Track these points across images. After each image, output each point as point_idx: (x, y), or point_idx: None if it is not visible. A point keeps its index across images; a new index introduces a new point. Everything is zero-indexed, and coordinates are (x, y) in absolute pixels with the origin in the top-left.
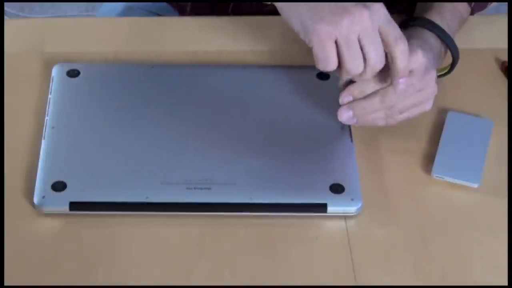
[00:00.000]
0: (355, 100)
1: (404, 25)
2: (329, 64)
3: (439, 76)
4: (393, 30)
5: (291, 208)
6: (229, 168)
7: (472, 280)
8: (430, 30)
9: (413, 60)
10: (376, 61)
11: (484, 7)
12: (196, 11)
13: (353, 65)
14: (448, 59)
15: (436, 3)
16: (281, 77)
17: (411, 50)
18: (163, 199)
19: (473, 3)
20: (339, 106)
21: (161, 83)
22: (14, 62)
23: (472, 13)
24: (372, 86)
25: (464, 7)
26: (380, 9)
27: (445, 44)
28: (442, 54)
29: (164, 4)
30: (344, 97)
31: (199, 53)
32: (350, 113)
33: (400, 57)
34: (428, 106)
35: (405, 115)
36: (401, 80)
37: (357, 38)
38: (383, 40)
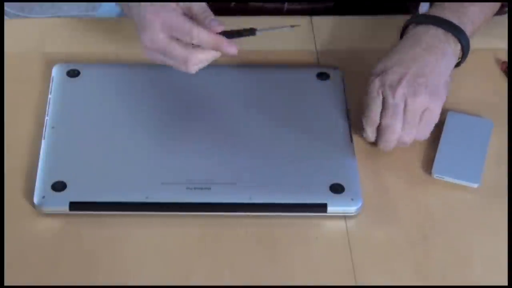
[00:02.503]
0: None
1: (419, 22)
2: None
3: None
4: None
5: (291, 208)
6: (229, 168)
7: (472, 280)
8: (445, 30)
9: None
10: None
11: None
12: None
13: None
14: None
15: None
16: (281, 77)
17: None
18: (163, 199)
19: None
20: (339, 106)
21: (161, 83)
22: (14, 62)
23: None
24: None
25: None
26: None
27: (458, 40)
28: (456, 50)
29: None
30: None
31: None
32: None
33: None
34: (425, 105)
35: (426, 129)
36: None
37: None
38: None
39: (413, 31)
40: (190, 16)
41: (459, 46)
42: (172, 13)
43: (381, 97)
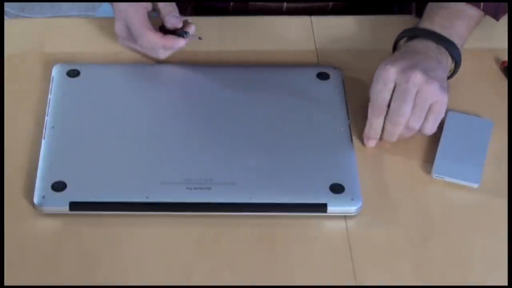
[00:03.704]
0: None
1: (411, 36)
2: None
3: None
4: None
5: (291, 208)
6: (229, 168)
7: (472, 280)
8: (437, 43)
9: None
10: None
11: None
12: (197, 11)
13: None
14: None
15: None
16: (281, 77)
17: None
18: (163, 199)
19: (482, 5)
20: (339, 106)
21: (161, 83)
22: (14, 62)
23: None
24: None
25: (474, 12)
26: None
27: (449, 53)
28: (448, 63)
29: None
30: (369, 144)
31: (199, 53)
32: (373, 140)
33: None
34: (438, 97)
35: (432, 120)
36: None
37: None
38: None
39: (406, 44)
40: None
41: (450, 59)
42: (136, 13)
43: (393, 84)
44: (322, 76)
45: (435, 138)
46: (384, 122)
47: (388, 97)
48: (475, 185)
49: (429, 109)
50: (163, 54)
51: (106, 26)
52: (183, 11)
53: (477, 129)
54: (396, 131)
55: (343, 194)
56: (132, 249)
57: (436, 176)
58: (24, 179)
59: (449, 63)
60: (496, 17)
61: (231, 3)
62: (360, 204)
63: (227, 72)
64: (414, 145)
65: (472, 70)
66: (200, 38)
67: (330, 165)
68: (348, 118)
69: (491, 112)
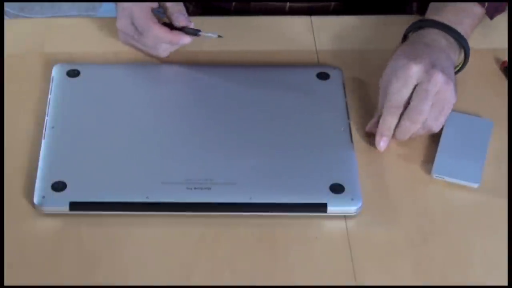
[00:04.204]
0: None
1: (418, 27)
2: None
3: (456, 72)
4: None
5: (291, 208)
6: (229, 168)
7: (472, 280)
8: (447, 33)
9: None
10: None
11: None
12: (199, 11)
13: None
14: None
15: (449, 4)
16: (281, 77)
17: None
18: (163, 199)
19: (486, 4)
20: (339, 106)
21: (161, 83)
22: (14, 62)
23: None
24: (394, 120)
25: (479, 10)
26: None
27: (460, 44)
28: (455, 57)
29: None
30: (381, 144)
31: (200, 53)
32: (385, 139)
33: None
34: (454, 99)
35: (442, 119)
36: None
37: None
38: None
39: (415, 34)
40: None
41: (457, 53)
42: (141, 9)
43: (415, 82)
44: (322, 76)
45: (435, 138)
46: (400, 120)
47: (407, 96)
48: (475, 185)
49: (442, 107)
50: (164, 52)
51: (106, 26)
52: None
53: (477, 129)
54: (413, 129)
55: (343, 194)
56: (132, 249)
57: (436, 176)
58: (24, 179)
59: (456, 57)
60: (492, 16)
61: (233, 3)
62: (360, 204)
63: (226, 72)
64: (414, 145)
65: (472, 70)
66: (220, 36)
67: (330, 165)
68: (348, 118)
69: (491, 112)
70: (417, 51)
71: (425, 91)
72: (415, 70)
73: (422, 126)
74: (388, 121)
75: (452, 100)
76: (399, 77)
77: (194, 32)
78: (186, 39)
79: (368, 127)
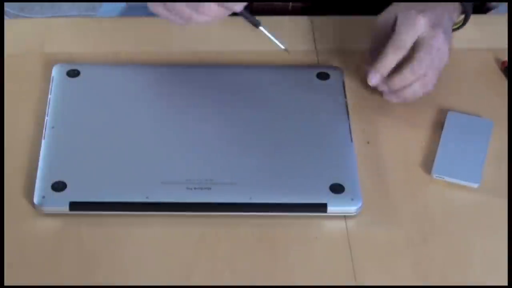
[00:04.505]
0: (386, 78)
1: None
2: None
3: (453, 30)
4: None
5: (291, 208)
6: (229, 168)
7: (472, 280)
8: None
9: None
10: None
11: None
12: None
13: None
14: None
15: None
16: (281, 77)
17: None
18: (163, 199)
19: None
20: (339, 106)
21: (161, 83)
22: (14, 62)
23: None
24: (394, 61)
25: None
26: None
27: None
28: (458, 15)
29: None
30: (372, 78)
31: (200, 53)
32: (378, 76)
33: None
34: (448, 60)
35: (435, 79)
36: None
37: None
38: None
39: None
40: None
41: (459, 13)
42: None
43: (419, 34)
44: (322, 76)
45: (435, 138)
46: (401, 71)
47: (410, 44)
48: (475, 185)
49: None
50: (199, 18)
51: (106, 26)
52: None
53: (477, 129)
54: (410, 80)
55: (343, 194)
56: (132, 249)
57: (436, 176)
58: (24, 179)
59: (456, 20)
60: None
61: None
62: (360, 204)
63: (226, 72)
64: (414, 145)
65: (472, 70)
66: (287, 51)
67: (330, 165)
68: (348, 118)
69: (491, 112)
70: (421, 5)
71: (429, 46)
72: (422, 23)
73: (420, 82)
74: (389, 60)
75: (446, 61)
76: (408, 25)
77: (255, 22)
78: (238, 6)
79: (366, 66)
